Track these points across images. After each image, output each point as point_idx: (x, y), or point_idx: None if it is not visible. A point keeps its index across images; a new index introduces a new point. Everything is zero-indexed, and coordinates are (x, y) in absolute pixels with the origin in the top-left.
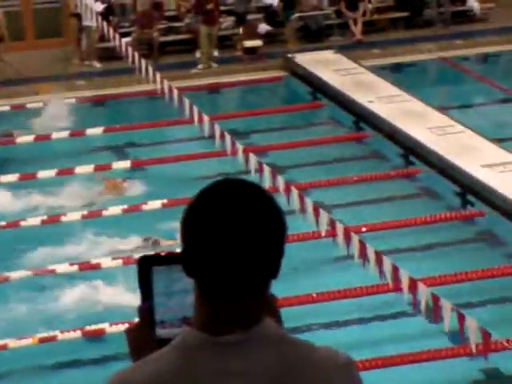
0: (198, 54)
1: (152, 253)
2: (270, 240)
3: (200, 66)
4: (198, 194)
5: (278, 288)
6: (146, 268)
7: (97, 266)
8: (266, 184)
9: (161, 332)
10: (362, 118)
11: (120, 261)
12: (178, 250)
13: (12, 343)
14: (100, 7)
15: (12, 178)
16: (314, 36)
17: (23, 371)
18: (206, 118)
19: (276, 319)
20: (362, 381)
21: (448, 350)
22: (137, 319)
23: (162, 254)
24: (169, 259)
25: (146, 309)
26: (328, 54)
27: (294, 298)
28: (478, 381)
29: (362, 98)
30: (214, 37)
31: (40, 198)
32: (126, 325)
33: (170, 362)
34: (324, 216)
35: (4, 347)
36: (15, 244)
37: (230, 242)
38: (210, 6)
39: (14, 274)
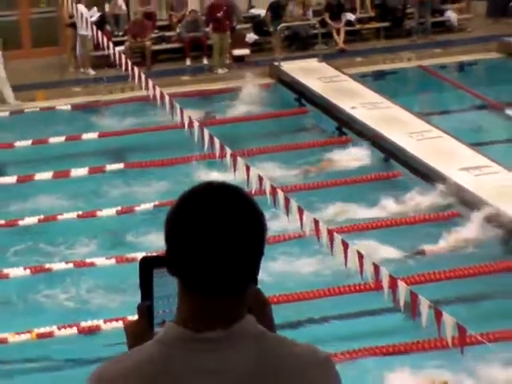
0: (205, 61)
1: (153, 254)
2: (249, 241)
3: (220, 71)
4: (181, 196)
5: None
6: (148, 269)
7: None
8: (253, 186)
9: (158, 330)
10: (345, 123)
11: None
12: None
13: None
14: (94, 17)
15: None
16: (299, 45)
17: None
18: (195, 123)
19: (264, 314)
20: (340, 377)
21: (425, 343)
22: (136, 316)
23: (163, 256)
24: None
25: (146, 308)
26: (312, 62)
27: (280, 297)
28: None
29: (344, 105)
30: (226, 44)
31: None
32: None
33: (150, 355)
34: (308, 217)
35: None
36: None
37: (210, 243)
38: (219, 15)
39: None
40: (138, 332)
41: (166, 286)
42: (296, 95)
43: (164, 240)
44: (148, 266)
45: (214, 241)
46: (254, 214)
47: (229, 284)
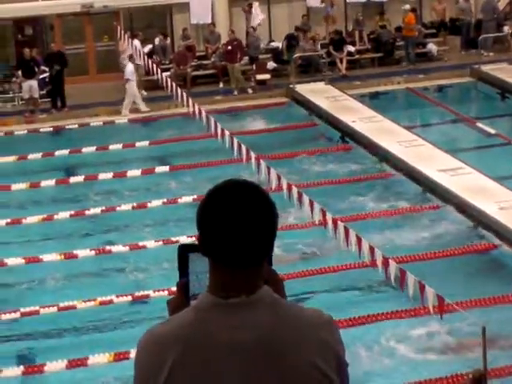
0: (233, 85)
1: (188, 241)
2: (264, 225)
3: (235, 92)
4: (209, 191)
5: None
6: (184, 253)
7: None
8: (273, 184)
9: (193, 303)
10: (347, 134)
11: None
12: None
13: (79, 304)
14: (146, 49)
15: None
16: (310, 71)
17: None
18: (227, 133)
19: (278, 288)
20: (341, 335)
21: (411, 311)
22: (176, 292)
23: (196, 243)
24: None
25: (183, 285)
26: (320, 85)
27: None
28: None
29: (346, 119)
30: (236, 72)
31: None
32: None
33: (189, 318)
34: (317, 208)
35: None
36: None
37: (234, 227)
38: (228, 49)
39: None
40: (178, 305)
41: (198, 266)
42: (307, 111)
43: (196, 227)
44: (184, 251)
45: (236, 225)
46: (267, 203)
47: (249, 258)
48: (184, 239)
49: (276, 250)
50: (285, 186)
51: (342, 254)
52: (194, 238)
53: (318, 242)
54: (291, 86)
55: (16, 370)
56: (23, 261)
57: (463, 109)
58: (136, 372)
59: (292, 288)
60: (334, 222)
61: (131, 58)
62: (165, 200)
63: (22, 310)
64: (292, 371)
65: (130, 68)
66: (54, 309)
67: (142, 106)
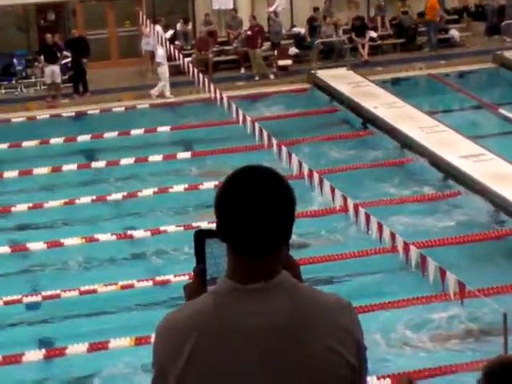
0: (254, 70)
1: (205, 227)
2: (282, 210)
3: (256, 78)
4: (228, 177)
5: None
6: (201, 239)
7: None
8: (294, 170)
9: (210, 288)
10: (369, 120)
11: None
12: None
13: (101, 288)
14: (168, 34)
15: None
16: (332, 57)
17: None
18: (248, 119)
19: (296, 273)
20: (359, 320)
21: (432, 297)
22: (193, 277)
23: (212, 228)
24: (217, 233)
25: (200, 270)
26: (342, 71)
27: (315, 258)
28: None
29: (368, 105)
30: (257, 58)
31: None
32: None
33: (207, 303)
34: (338, 194)
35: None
36: None
37: (252, 212)
38: (248, 34)
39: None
40: (195, 290)
41: (216, 251)
42: (329, 97)
43: (214, 212)
44: (201, 237)
45: (254, 210)
46: (285, 189)
47: (267, 244)
48: (205, 225)
49: (296, 236)
50: (306, 172)
51: (363, 240)
52: (214, 224)
53: (339, 228)
54: (313, 71)
55: (38, 354)
56: (45, 245)
57: (485, 95)
58: (154, 358)
59: (312, 273)
60: (355, 208)
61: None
62: (186, 186)
63: (44, 293)
64: (311, 356)
65: (161, 52)
66: (76, 293)
67: (168, 93)
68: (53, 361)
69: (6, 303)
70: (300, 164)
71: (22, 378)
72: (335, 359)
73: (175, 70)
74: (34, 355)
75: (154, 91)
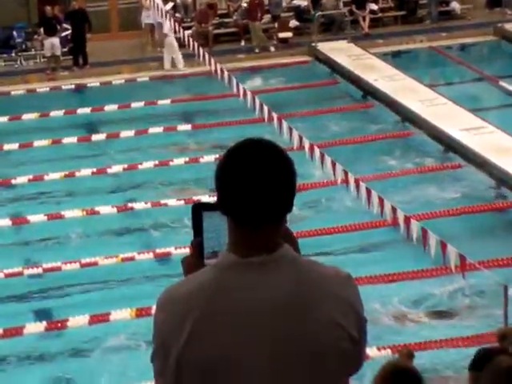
0: (255, 43)
1: (203, 201)
2: (283, 182)
3: (257, 50)
4: (228, 151)
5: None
6: (198, 212)
7: None
8: (295, 144)
9: (208, 261)
10: (369, 92)
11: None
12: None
13: (101, 261)
14: (168, 6)
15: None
16: (332, 29)
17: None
18: (248, 92)
19: (294, 246)
20: (359, 292)
21: (433, 270)
22: (190, 251)
23: (210, 202)
24: (214, 206)
25: (197, 243)
26: (343, 44)
27: (313, 231)
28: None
29: (368, 77)
30: (257, 30)
31: None
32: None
33: (209, 277)
34: (339, 168)
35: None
36: None
37: (253, 184)
38: (250, 6)
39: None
40: (192, 263)
41: (214, 225)
42: (329, 70)
43: (215, 186)
44: (199, 210)
45: (255, 183)
46: (285, 162)
47: (268, 216)
48: (206, 198)
49: (296, 209)
50: (307, 146)
51: (364, 214)
52: (215, 197)
53: (340, 202)
54: (313, 44)
55: (39, 326)
56: (45, 217)
57: (486, 67)
58: (155, 331)
59: (312, 246)
60: (356, 181)
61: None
62: (187, 159)
63: (45, 265)
64: (315, 329)
65: (167, 24)
66: (77, 265)
67: (181, 65)
68: (54, 333)
69: (7, 275)
70: (300, 138)
71: (23, 351)
72: (338, 332)
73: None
74: (35, 327)
75: (166, 64)
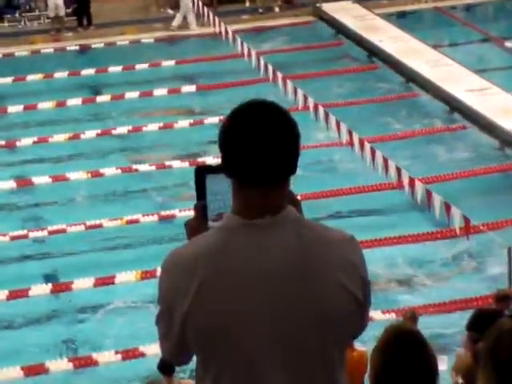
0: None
1: (205, 164)
2: (287, 144)
3: (261, 11)
4: (232, 112)
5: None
6: (201, 175)
7: None
8: (300, 104)
9: (211, 224)
10: (374, 53)
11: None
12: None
13: (106, 223)
14: None
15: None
16: None
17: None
18: (253, 53)
19: (298, 209)
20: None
21: (438, 233)
22: (194, 213)
23: (213, 164)
24: (218, 169)
25: (201, 205)
26: (348, 4)
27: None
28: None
29: (373, 38)
30: None
31: None
32: None
33: (214, 239)
34: (344, 129)
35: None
36: None
37: (258, 145)
38: None
39: None
40: (196, 226)
41: (217, 187)
42: (334, 30)
43: (219, 147)
44: (202, 173)
45: (260, 143)
46: (289, 123)
47: (273, 176)
48: (210, 160)
49: (300, 171)
50: (311, 106)
51: (369, 175)
52: (218, 159)
53: (344, 163)
54: (318, 4)
55: (44, 288)
56: (50, 179)
57: (491, 28)
58: (160, 294)
59: (317, 208)
60: (361, 142)
61: None
62: (191, 121)
63: (50, 228)
64: (319, 290)
65: None
66: (81, 227)
67: (194, 25)
68: (59, 295)
69: (12, 238)
70: (305, 97)
71: (28, 312)
72: (342, 294)
73: (176, 4)
74: (41, 289)
75: (175, 23)
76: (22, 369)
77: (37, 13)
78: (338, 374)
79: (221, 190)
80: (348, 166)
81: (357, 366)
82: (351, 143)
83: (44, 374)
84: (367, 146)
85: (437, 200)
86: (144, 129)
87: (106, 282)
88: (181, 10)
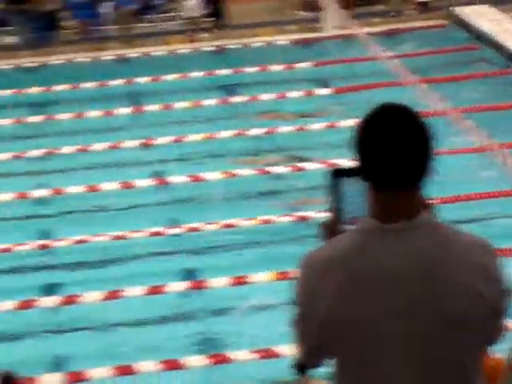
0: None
1: (343, 167)
2: (421, 147)
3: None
4: (367, 115)
5: None
6: (337, 178)
7: None
8: (434, 108)
9: (346, 227)
10: (511, 58)
11: None
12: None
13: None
14: None
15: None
16: None
17: None
18: (387, 56)
19: (429, 212)
20: (501, 261)
21: None
22: (329, 216)
23: (349, 167)
24: (353, 171)
25: (337, 208)
26: (484, 8)
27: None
28: None
29: (510, 43)
30: None
31: None
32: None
33: (351, 242)
34: (482, 133)
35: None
36: None
37: (395, 150)
38: None
39: None
40: (332, 227)
41: (352, 190)
42: (468, 34)
43: (355, 150)
44: (337, 176)
45: (396, 146)
46: (423, 126)
47: (408, 178)
48: (345, 162)
49: (436, 175)
50: (447, 111)
51: (507, 182)
52: (354, 162)
53: (484, 168)
54: (451, 8)
55: (181, 285)
56: (188, 179)
57: None
58: (297, 295)
59: (454, 211)
60: (501, 147)
61: None
62: (327, 123)
63: (186, 226)
64: (453, 295)
65: None
66: (216, 226)
67: (329, 27)
68: (194, 292)
69: (151, 234)
70: (440, 102)
71: (163, 309)
72: (477, 300)
73: (311, 6)
74: (178, 286)
75: (326, 23)
76: (161, 363)
77: (173, 14)
78: (473, 381)
79: (356, 193)
80: (487, 172)
81: (492, 376)
82: (491, 148)
83: (180, 370)
84: (506, 152)
85: None
86: (278, 130)
87: (241, 281)
88: (324, 10)
